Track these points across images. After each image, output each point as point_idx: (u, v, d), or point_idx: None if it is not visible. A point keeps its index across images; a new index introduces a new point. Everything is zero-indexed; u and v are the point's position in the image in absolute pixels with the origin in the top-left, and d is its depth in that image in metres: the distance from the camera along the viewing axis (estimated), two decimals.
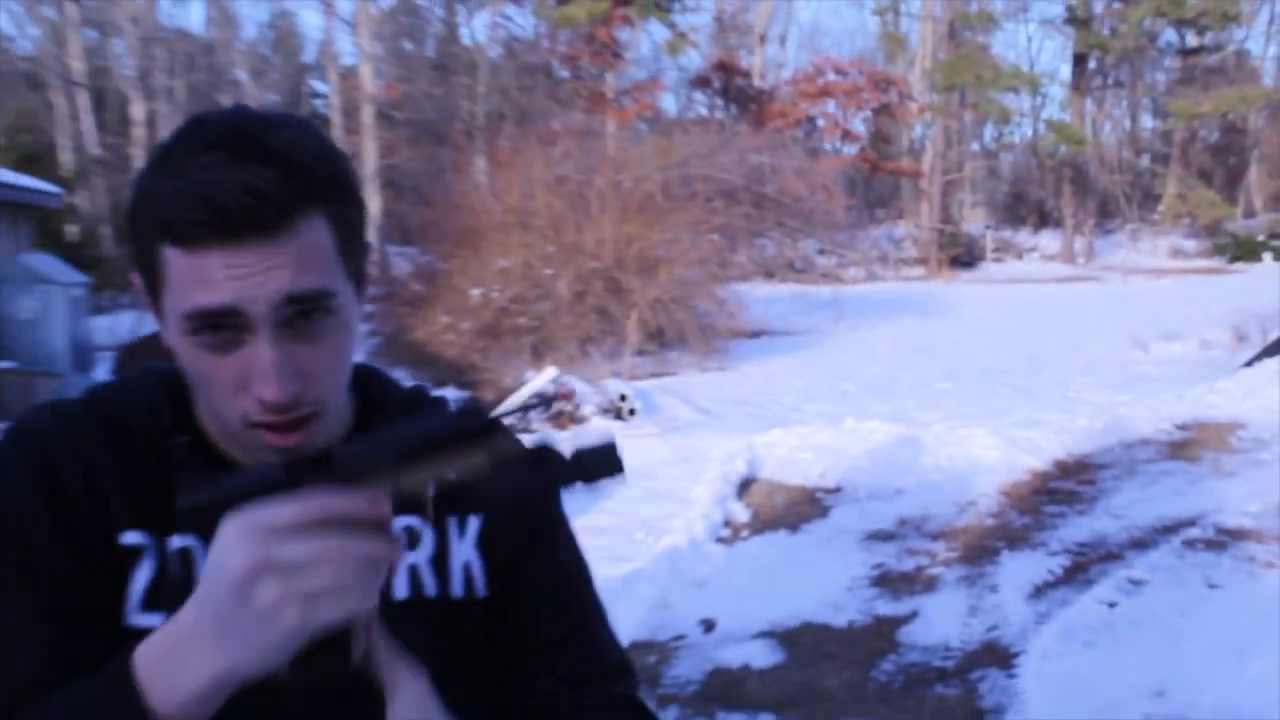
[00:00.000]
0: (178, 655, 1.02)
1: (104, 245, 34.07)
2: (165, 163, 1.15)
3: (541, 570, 1.45)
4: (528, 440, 1.08)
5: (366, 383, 1.41)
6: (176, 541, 1.22)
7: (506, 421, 1.03)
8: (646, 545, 8.25)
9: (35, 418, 1.28)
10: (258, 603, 0.98)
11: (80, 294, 15.20)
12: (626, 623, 6.92)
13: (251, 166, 1.12)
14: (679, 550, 8.19)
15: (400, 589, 1.30)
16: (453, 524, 1.37)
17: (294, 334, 1.15)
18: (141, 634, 1.08)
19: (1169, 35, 49.43)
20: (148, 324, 19.85)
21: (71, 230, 31.67)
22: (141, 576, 1.20)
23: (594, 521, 9.01)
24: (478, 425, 1.03)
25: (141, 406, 1.29)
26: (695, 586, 7.72)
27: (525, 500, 1.44)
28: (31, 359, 13.81)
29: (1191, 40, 48.97)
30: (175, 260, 1.13)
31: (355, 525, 1.00)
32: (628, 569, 7.71)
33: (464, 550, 1.36)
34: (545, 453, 1.06)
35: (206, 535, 1.03)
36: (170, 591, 1.18)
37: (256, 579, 0.97)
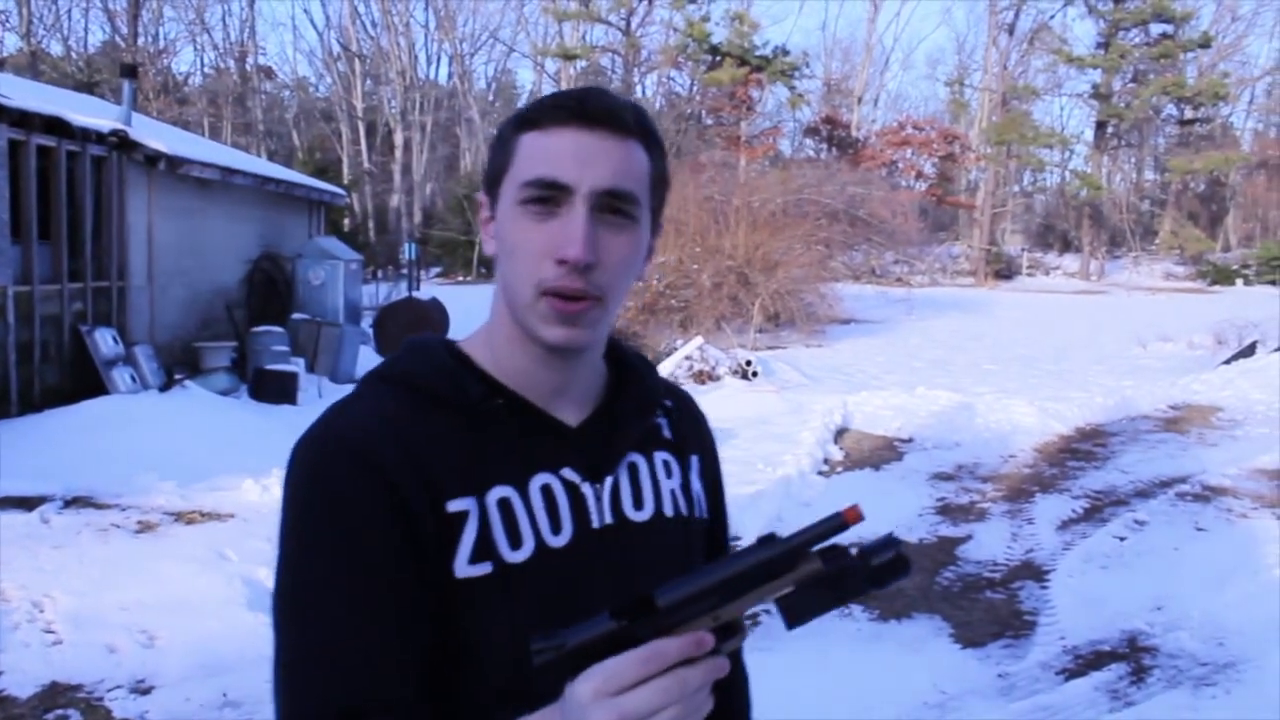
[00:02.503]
0: None
1: (369, 234, 34.80)
2: (534, 99, 1.11)
3: (724, 509, 1.38)
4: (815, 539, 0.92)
5: (622, 353, 1.26)
6: (495, 493, 1.08)
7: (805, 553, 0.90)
8: (766, 474, 8.22)
9: (350, 415, 1.10)
10: None
11: (355, 267, 15.49)
12: (751, 531, 6.91)
13: (606, 95, 1.09)
14: (790, 479, 8.16)
15: (668, 507, 1.20)
16: (688, 459, 1.27)
17: (602, 222, 1.05)
18: (466, 584, 1.04)
19: (1170, 109, 48.03)
20: (398, 291, 20.35)
21: (348, 222, 32.33)
22: (468, 534, 1.05)
23: (727, 453, 8.93)
24: (786, 558, 0.90)
25: (445, 378, 1.12)
26: (803, 506, 7.68)
27: (714, 445, 1.37)
28: (319, 313, 14.12)
29: (1188, 113, 47.63)
30: (529, 141, 1.07)
31: (688, 662, 0.88)
32: (752, 490, 7.69)
33: (695, 482, 1.26)
34: (844, 572, 0.91)
35: (556, 687, 0.90)
36: (489, 543, 1.06)
37: None
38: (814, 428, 9.79)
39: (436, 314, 14.61)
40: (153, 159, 11.53)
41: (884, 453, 9.55)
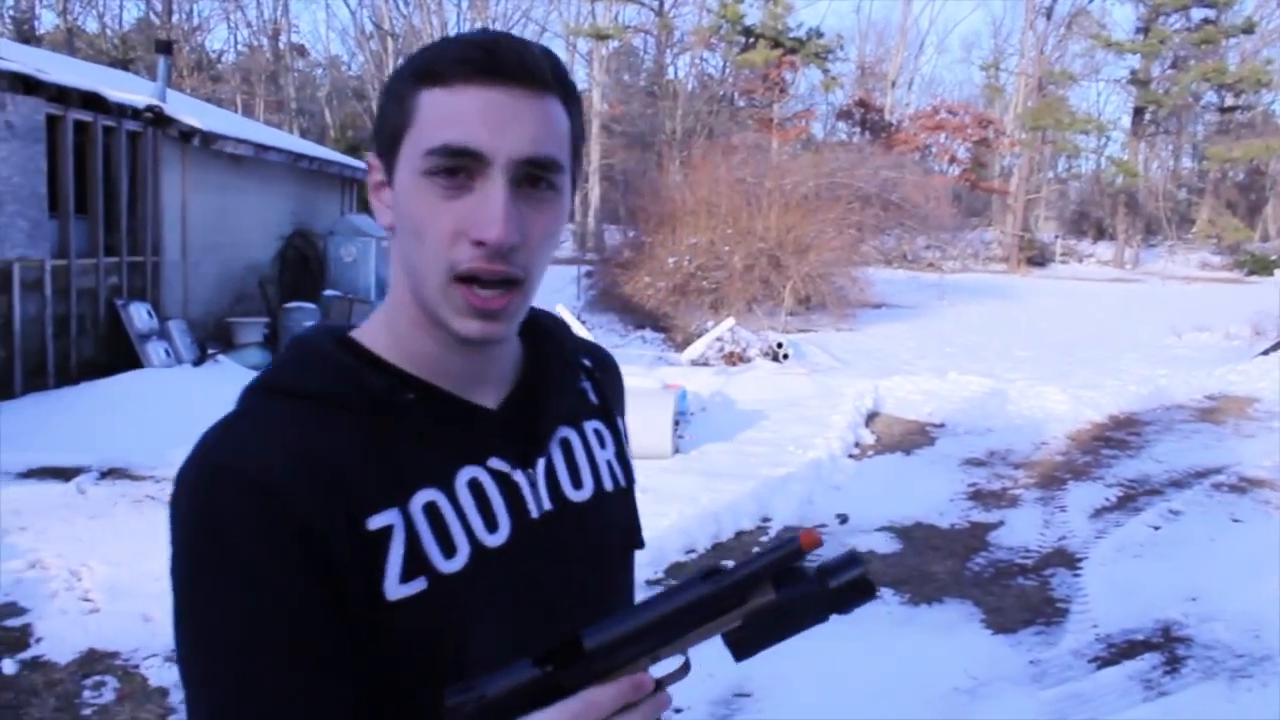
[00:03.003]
0: None
1: None
2: (431, 44, 0.95)
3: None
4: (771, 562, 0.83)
5: (534, 317, 1.10)
6: (420, 499, 0.94)
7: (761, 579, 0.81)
8: (797, 456, 8.20)
9: (235, 438, 0.94)
10: None
11: (386, 245, 15.45)
12: (782, 511, 6.92)
13: (516, 41, 0.93)
14: (821, 461, 8.13)
15: (606, 481, 1.09)
16: (616, 422, 1.17)
17: (521, 195, 0.92)
18: (402, 606, 0.91)
19: (1210, 96, 47.40)
20: None
21: None
22: (395, 551, 0.91)
23: (758, 435, 9.01)
24: (735, 591, 0.81)
25: (341, 378, 0.97)
26: (833, 489, 7.66)
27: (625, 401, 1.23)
28: (351, 290, 14.19)
29: (1229, 100, 46.96)
30: (432, 100, 0.91)
31: (627, 707, 0.80)
32: (783, 472, 7.68)
33: (626, 448, 1.16)
34: (801, 600, 0.82)
35: None
36: (420, 556, 0.93)
37: None
38: (845, 411, 9.75)
39: None
40: (187, 135, 11.59)
41: (915, 437, 9.51)
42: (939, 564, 6.11)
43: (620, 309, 17.81)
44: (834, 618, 0.85)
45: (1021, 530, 6.80)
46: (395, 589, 0.91)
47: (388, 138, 0.95)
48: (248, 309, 13.20)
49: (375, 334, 1.01)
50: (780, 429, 9.17)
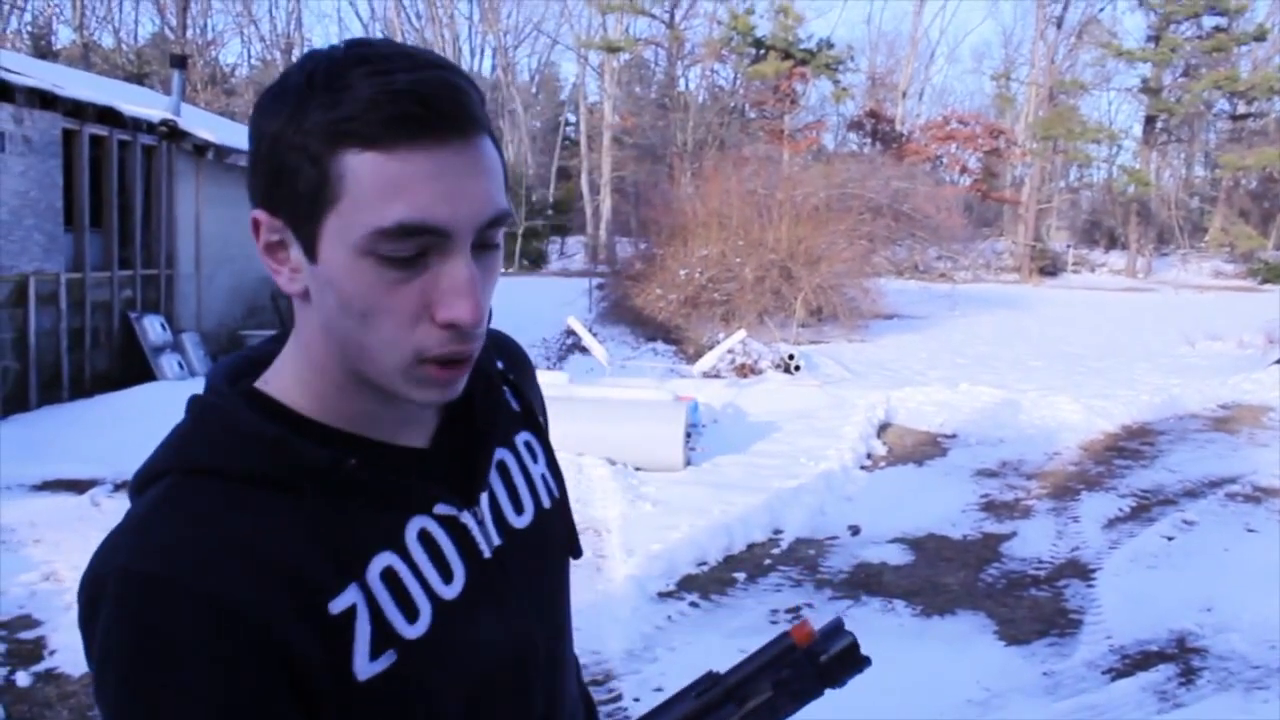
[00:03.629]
0: None
1: None
2: (327, 78, 0.80)
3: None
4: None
5: None
6: (376, 566, 0.86)
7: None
8: (809, 467, 8.18)
9: (165, 537, 0.81)
10: None
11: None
12: (793, 523, 6.91)
13: (434, 70, 0.80)
14: (833, 473, 8.12)
15: (544, 498, 1.03)
16: (544, 425, 1.11)
17: (477, 259, 0.84)
18: (373, 683, 0.84)
19: (1222, 104, 47.21)
20: None
21: None
22: (362, 630, 0.84)
23: (769, 447, 9.00)
24: (727, 693, 0.81)
25: (274, 454, 0.85)
26: (845, 500, 7.65)
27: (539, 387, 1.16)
28: None
29: (1241, 108, 46.74)
30: (366, 167, 0.78)
31: None
32: (795, 484, 7.66)
33: (553, 451, 1.09)
34: (795, 690, 0.82)
35: None
36: (386, 629, 0.85)
37: None
38: (856, 422, 9.73)
39: None
40: (201, 148, 11.65)
41: (927, 448, 9.48)
42: (951, 575, 6.08)
43: (632, 321, 17.80)
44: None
45: (1034, 541, 6.77)
46: (365, 668, 0.84)
47: (298, 203, 0.82)
48: (260, 321, 13.24)
49: (288, 389, 0.91)
50: (792, 440, 9.16)
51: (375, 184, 0.79)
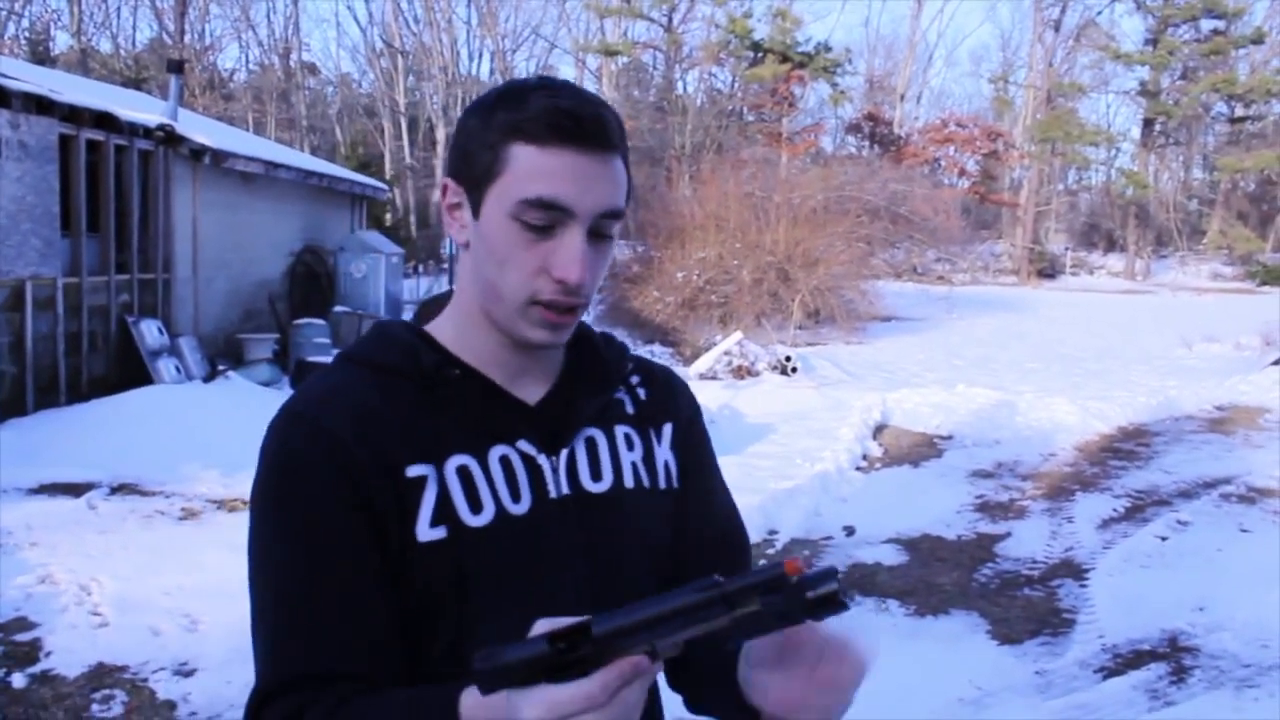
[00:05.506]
0: None
1: (411, 229, 35.00)
2: (511, 96, 1.10)
3: (707, 472, 1.32)
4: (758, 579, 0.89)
5: (582, 331, 1.26)
6: (454, 461, 1.11)
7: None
8: (804, 468, 8.21)
9: (313, 390, 1.15)
10: None
11: (396, 261, 15.60)
12: (788, 524, 6.93)
13: (591, 104, 1.09)
14: (829, 474, 8.14)
15: (628, 479, 1.21)
16: (654, 431, 1.27)
17: (591, 242, 1.09)
18: (429, 548, 1.08)
19: (1220, 106, 47.26)
20: (440, 285, 20.43)
21: (389, 217, 32.49)
22: (428, 499, 1.09)
23: (765, 449, 9.02)
24: (724, 600, 0.88)
25: (404, 353, 1.15)
26: (840, 501, 7.67)
27: (694, 411, 1.34)
28: (361, 306, 14.25)
29: (1239, 111, 46.78)
30: (524, 155, 1.07)
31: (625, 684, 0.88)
32: (790, 485, 7.68)
33: (663, 452, 1.26)
34: (780, 610, 0.89)
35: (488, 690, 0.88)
36: (448, 506, 1.09)
37: None
38: (853, 424, 9.75)
39: None
40: (198, 153, 11.67)
41: (923, 449, 9.50)
42: (945, 575, 6.11)
43: (629, 323, 17.82)
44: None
45: (1028, 541, 6.80)
46: (425, 531, 1.08)
47: (475, 174, 1.11)
48: (258, 325, 13.26)
49: (443, 329, 1.19)
50: (788, 442, 9.18)
51: (530, 169, 1.07)
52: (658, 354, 15.99)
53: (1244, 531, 7.09)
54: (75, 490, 7.19)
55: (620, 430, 1.23)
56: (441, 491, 1.09)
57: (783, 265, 18.37)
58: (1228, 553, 6.59)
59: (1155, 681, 4.67)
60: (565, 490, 1.16)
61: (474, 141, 1.11)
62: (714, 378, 12.51)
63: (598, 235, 1.10)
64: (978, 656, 4.93)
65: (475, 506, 1.10)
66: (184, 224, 11.89)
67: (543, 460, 1.15)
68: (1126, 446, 9.83)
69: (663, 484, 1.25)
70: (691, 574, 1.12)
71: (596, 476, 1.19)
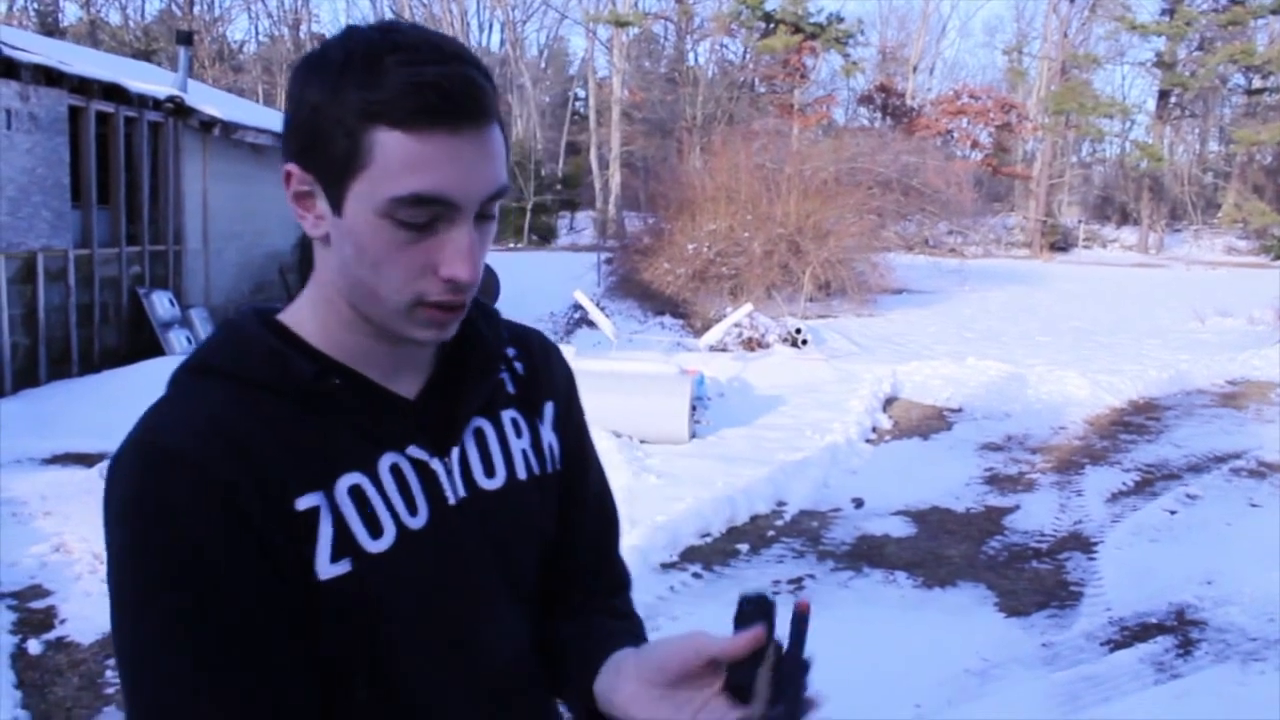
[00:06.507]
0: None
1: None
2: (359, 64, 0.91)
3: (586, 451, 1.24)
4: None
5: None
6: (345, 482, 0.97)
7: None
8: (814, 440, 8.22)
9: (167, 419, 0.96)
10: None
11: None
12: (797, 496, 6.95)
13: (457, 66, 0.92)
14: (838, 446, 8.15)
15: (520, 470, 1.11)
16: (536, 411, 1.18)
17: (477, 228, 0.96)
18: (332, 585, 0.95)
19: (1237, 78, 46.84)
20: None
21: None
22: (324, 532, 0.95)
23: (775, 420, 9.04)
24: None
25: (270, 362, 0.99)
26: (849, 473, 7.68)
27: (571, 383, 1.25)
28: None
29: (1256, 82, 46.36)
30: (391, 143, 0.90)
31: None
32: (800, 456, 7.70)
33: (547, 433, 1.17)
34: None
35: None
36: (347, 536, 0.96)
37: None
38: (863, 396, 9.76)
39: (487, 279, 14.65)
40: (208, 125, 11.68)
41: (933, 422, 9.51)
42: (953, 547, 6.12)
43: (640, 295, 17.81)
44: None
45: (1037, 514, 6.81)
46: (325, 569, 0.95)
47: (329, 163, 0.94)
48: (269, 297, 13.30)
49: (302, 320, 1.03)
50: (798, 414, 9.19)
51: (399, 159, 0.91)
52: (668, 326, 16.00)
53: (1254, 506, 7.09)
54: (88, 460, 7.24)
55: (506, 416, 1.13)
56: (337, 520, 0.96)
57: (794, 237, 18.31)
58: (1237, 527, 6.59)
59: (1162, 654, 4.69)
60: (462, 493, 1.05)
61: (323, 123, 0.93)
62: (724, 350, 12.51)
63: (481, 218, 0.96)
64: (985, 628, 4.96)
65: (374, 530, 0.98)
66: (194, 195, 11.91)
67: (436, 464, 1.04)
68: (1137, 420, 9.82)
69: (550, 468, 1.16)
70: (568, 558, 1.19)
71: (490, 473, 1.09)
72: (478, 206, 0.94)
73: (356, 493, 0.98)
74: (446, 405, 1.07)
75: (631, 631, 1.17)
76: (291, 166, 0.97)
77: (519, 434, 1.13)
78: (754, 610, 0.92)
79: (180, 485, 0.90)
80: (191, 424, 0.94)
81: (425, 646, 1.00)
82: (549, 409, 1.19)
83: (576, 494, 1.21)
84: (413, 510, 1.01)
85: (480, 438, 1.09)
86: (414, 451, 1.03)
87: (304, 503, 0.95)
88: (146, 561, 0.90)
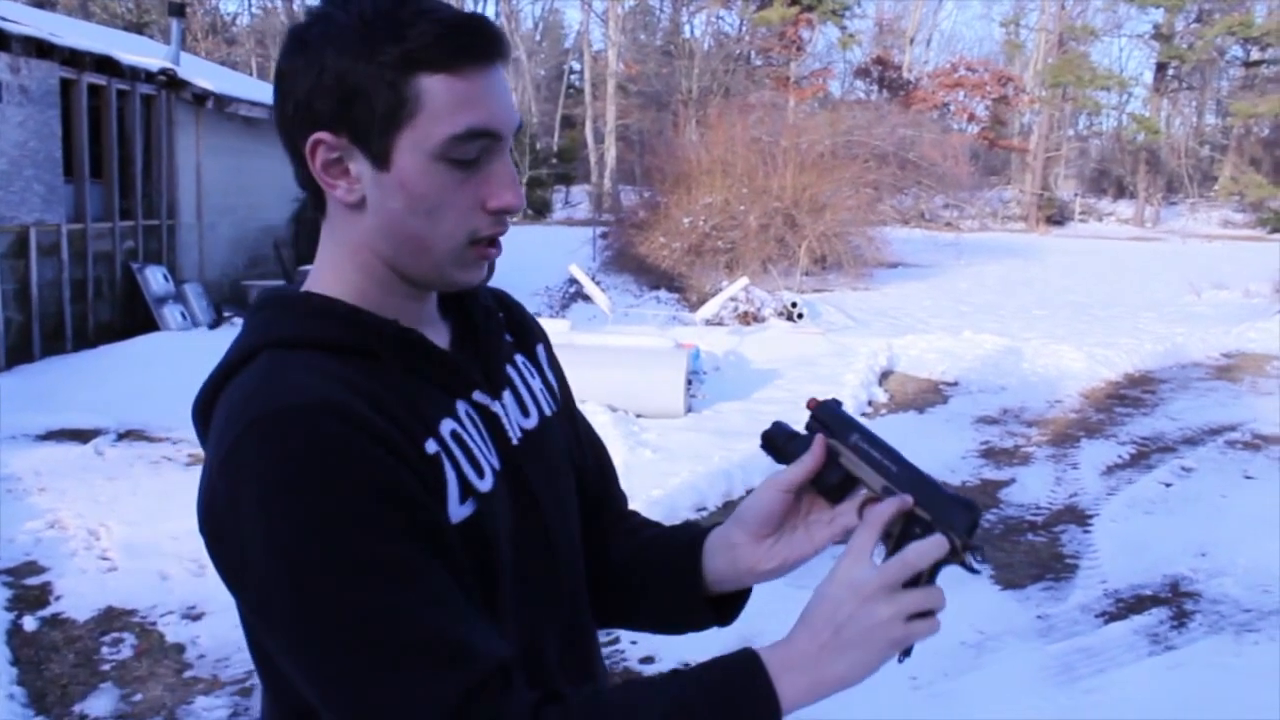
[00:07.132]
0: (807, 667, 0.96)
1: None
2: (381, 25, 0.94)
3: (568, 389, 1.28)
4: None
5: None
6: (445, 428, 1.00)
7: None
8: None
9: (293, 383, 0.94)
10: (891, 636, 0.97)
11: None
12: None
13: (463, 11, 0.98)
14: None
15: (546, 407, 1.17)
16: (539, 352, 1.24)
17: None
18: (462, 528, 0.97)
19: (1235, 50, 46.65)
20: None
21: None
22: (450, 475, 0.98)
23: (771, 394, 9.03)
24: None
25: (347, 327, 1.01)
26: None
27: (540, 325, 1.30)
28: None
29: (1255, 54, 46.16)
30: (438, 87, 0.94)
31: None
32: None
33: (548, 373, 1.23)
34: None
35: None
36: (465, 480, 1.00)
37: (893, 623, 0.97)
38: (858, 370, 9.75)
39: None
40: (201, 98, 11.61)
41: (928, 396, 9.51)
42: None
43: (635, 269, 17.76)
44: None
45: (1033, 487, 6.81)
46: (456, 511, 0.98)
47: (373, 122, 0.95)
48: (263, 272, 13.26)
49: (331, 290, 1.04)
50: (794, 388, 9.18)
51: (446, 100, 0.95)
52: (664, 300, 15.97)
53: (1248, 478, 7.10)
54: (83, 436, 7.23)
55: (519, 360, 1.19)
56: (454, 465, 0.99)
57: (790, 211, 18.27)
58: (1231, 499, 6.61)
59: (1156, 626, 4.70)
60: (518, 433, 1.10)
61: (359, 82, 0.95)
62: (720, 324, 12.49)
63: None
64: (980, 601, 4.96)
65: (479, 471, 1.01)
66: (188, 169, 11.85)
67: (496, 407, 1.08)
68: (1133, 393, 9.83)
69: (558, 405, 1.22)
70: (589, 487, 1.25)
71: (525, 413, 1.14)
72: (511, 137, 1.00)
73: (456, 437, 1.01)
74: (481, 354, 1.11)
75: (678, 526, 1.29)
76: (322, 135, 0.98)
77: (531, 375, 1.19)
78: (784, 437, 1.12)
79: (354, 435, 0.91)
80: (324, 383, 0.94)
81: (521, 581, 1.05)
82: (540, 352, 1.25)
83: (579, 429, 1.27)
84: (492, 451, 1.05)
85: (510, 383, 1.14)
86: (478, 397, 1.07)
87: (430, 447, 0.98)
88: (344, 502, 0.89)
